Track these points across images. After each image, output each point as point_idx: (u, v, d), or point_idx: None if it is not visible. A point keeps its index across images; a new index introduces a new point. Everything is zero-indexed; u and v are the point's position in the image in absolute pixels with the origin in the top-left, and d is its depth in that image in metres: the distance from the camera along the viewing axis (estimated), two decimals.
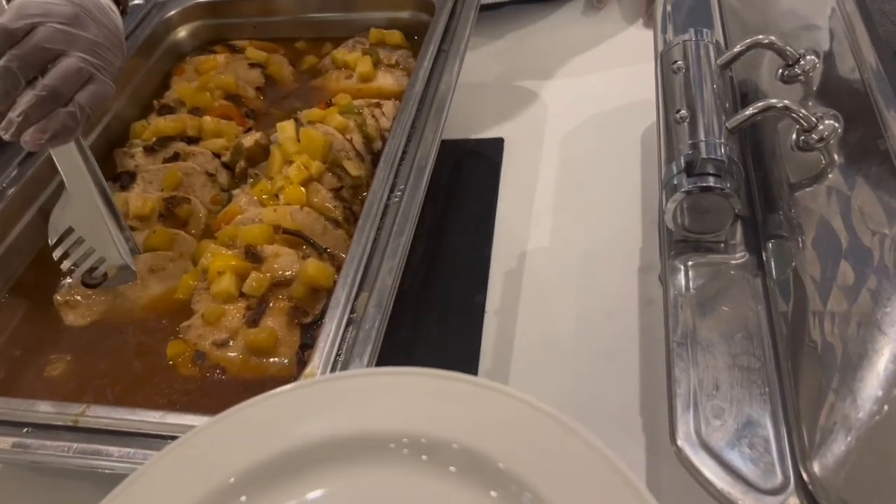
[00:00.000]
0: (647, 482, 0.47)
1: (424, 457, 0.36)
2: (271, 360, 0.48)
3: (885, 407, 0.32)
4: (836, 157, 0.42)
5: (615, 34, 0.83)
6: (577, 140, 0.72)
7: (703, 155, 0.43)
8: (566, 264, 0.61)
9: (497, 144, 0.72)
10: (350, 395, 0.38)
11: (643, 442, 0.49)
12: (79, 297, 0.55)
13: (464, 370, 0.55)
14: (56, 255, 0.53)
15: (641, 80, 0.73)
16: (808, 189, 0.43)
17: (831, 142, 0.43)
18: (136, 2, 0.77)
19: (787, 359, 0.37)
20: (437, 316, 0.58)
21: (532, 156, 0.71)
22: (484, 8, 0.75)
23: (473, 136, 0.74)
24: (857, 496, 0.31)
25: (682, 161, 0.43)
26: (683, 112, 0.45)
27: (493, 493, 0.35)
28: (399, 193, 0.53)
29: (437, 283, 0.61)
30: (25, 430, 0.43)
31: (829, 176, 0.42)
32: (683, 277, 0.43)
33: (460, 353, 0.55)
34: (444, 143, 0.66)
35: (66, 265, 0.53)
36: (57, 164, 0.52)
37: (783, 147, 0.45)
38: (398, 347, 0.56)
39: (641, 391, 0.52)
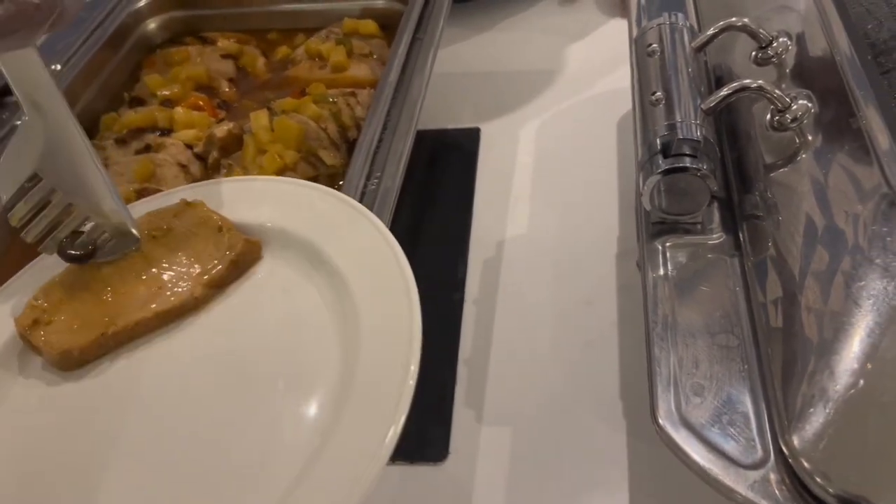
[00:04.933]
0: (629, 465, 0.47)
1: None
2: None
3: (861, 380, 0.33)
4: (809, 136, 0.43)
5: (591, 25, 0.83)
6: (553, 129, 0.72)
7: (679, 136, 0.43)
8: (544, 252, 0.61)
9: (473, 134, 0.72)
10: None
11: (624, 426, 0.49)
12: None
13: (443, 357, 0.55)
14: (17, 215, 0.38)
15: (617, 69, 0.74)
16: (782, 169, 0.43)
17: (805, 121, 0.43)
18: None
19: (764, 336, 0.38)
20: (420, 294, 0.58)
21: (509, 145, 0.71)
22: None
23: (450, 127, 0.73)
24: (836, 467, 0.31)
25: (658, 142, 0.43)
26: (659, 94, 0.45)
27: None
28: (376, 181, 0.52)
29: (414, 273, 0.60)
30: None
31: (804, 156, 0.42)
32: (661, 258, 0.43)
33: (439, 341, 0.55)
34: (419, 133, 0.66)
35: (34, 232, 0.38)
36: (11, 83, 0.37)
37: (758, 128, 0.45)
38: None
39: (622, 376, 0.52)
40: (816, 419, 0.32)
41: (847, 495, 0.31)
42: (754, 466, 0.34)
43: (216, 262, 0.46)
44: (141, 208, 0.50)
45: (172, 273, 0.46)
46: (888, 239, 0.36)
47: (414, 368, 0.37)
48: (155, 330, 0.45)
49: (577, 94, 0.75)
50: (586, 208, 0.63)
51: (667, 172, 0.42)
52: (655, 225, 0.45)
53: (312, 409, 0.39)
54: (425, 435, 0.50)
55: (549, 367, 0.53)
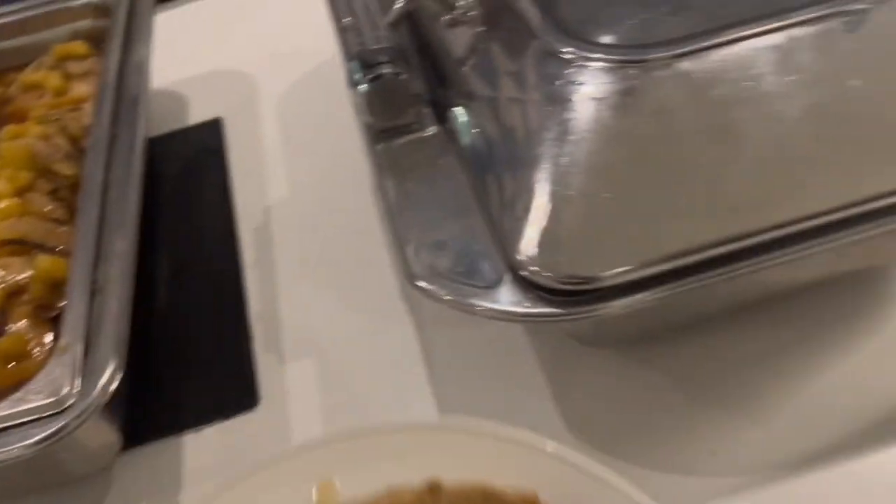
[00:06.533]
0: (421, 347, 0.52)
1: None
2: (29, 361, 0.47)
3: (553, 186, 0.39)
4: (479, 26, 0.50)
5: None
6: (288, 99, 0.75)
7: (374, 47, 0.48)
8: (309, 204, 0.65)
9: (215, 125, 0.74)
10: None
11: (413, 322, 0.54)
12: None
13: (232, 319, 0.57)
14: None
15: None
16: (466, 58, 0.50)
17: (472, 13, 0.50)
18: None
19: (479, 182, 0.44)
20: (198, 277, 0.61)
21: (251, 125, 0.73)
22: None
23: (190, 123, 0.75)
24: (556, 260, 0.38)
25: (357, 59, 0.48)
26: (348, 20, 0.51)
27: None
28: (115, 173, 0.53)
29: (189, 259, 0.62)
30: None
31: (480, 44, 0.49)
32: (387, 158, 0.48)
33: (226, 308, 0.57)
34: (161, 137, 0.68)
35: None
36: None
37: (439, 31, 0.52)
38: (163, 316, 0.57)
39: (401, 284, 0.57)
40: (528, 228, 0.39)
41: (574, 279, 0.37)
42: (496, 285, 0.40)
43: None
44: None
45: None
46: (546, 73, 0.43)
47: None
48: None
49: (301, 67, 0.79)
50: (337, 158, 0.68)
51: (371, 81, 0.47)
52: (379, 134, 0.50)
53: None
54: (234, 389, 0.52)
55: (334, 295, 0.57)
